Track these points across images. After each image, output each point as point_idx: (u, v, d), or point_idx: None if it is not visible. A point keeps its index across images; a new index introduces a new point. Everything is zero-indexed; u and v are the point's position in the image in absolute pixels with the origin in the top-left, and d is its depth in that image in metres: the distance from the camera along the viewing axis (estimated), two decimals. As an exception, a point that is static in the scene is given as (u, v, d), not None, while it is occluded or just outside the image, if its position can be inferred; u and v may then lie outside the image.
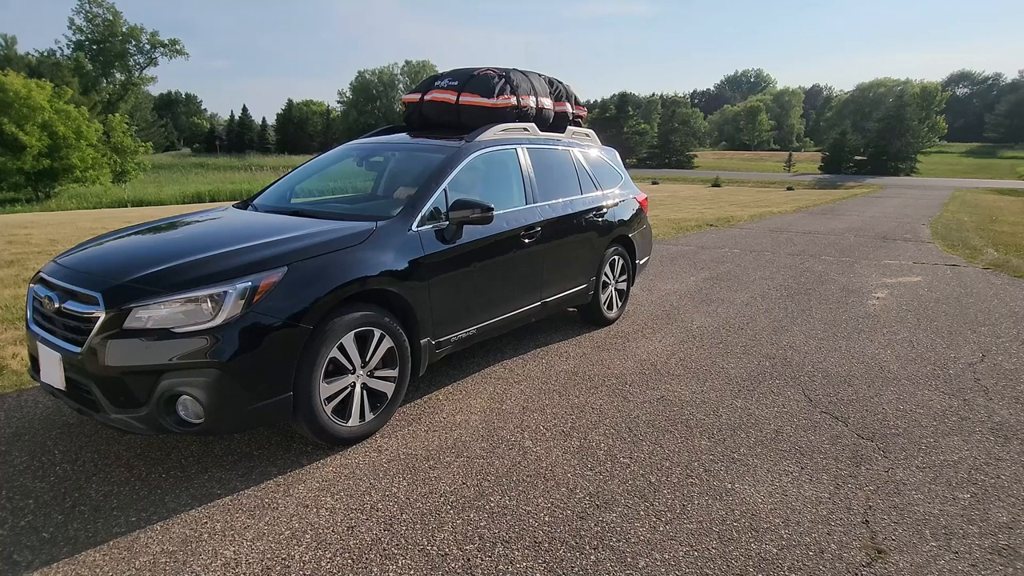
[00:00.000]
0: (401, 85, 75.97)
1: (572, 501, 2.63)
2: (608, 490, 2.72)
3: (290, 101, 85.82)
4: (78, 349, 2.60)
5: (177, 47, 59.37)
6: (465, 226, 3.53)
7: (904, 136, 50.91)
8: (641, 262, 5.69)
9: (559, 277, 4.48)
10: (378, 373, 3.13)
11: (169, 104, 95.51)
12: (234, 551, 2.27)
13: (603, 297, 5.12)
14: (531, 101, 4.55)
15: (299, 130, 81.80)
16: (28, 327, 2.96)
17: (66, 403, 2.79)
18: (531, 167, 4.33)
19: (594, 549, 2.32)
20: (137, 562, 2.20)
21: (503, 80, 4.39)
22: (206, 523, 2.43)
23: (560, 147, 4.81)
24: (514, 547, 2.33)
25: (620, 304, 5.42)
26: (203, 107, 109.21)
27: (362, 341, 3.01)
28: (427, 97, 4.54)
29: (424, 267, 3.29)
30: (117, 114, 35.93)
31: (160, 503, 2.56)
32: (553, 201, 4.43)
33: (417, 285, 3.25)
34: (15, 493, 2.62)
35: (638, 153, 61.76)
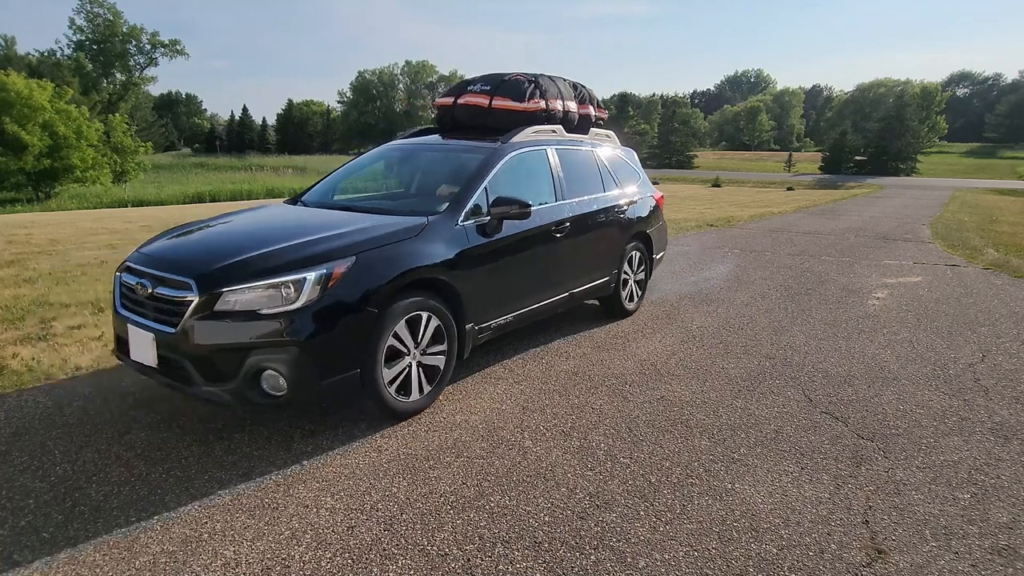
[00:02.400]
0: (401, 85, 75.91)
1: (572, 501, 2.63)
2: (608, 490, 2.72)
3: (290, 101, 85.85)
4: (172, 330, 2.87)
5: (177, 47, 59.46)
6: (504, 221, 3.82)
7: (904, 136, 50.85)
8: (657, 257, 5.96)
9: (585, 269, 4.78)
10: (429, 351, 3.43)
11: (169, 104, 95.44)
12: (234, 551, 2.27)
13: (624, 290, 5.38)
14: (558, 105, 4.82)
15: (299, 130, 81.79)
16: (116, 311, 3.23)
17: (155, 379, 3.09)
18: (560, 166, 4.61)
19: (594, 549, 2.32)
20: (137, 562, 2.20)
21: (533, 85, 4.65)
22: (206, 523, 2.43)
23: (584, 148, 5.08)
24: (514, 547, 2.33)
25: (639, 296, 5.66)
26: (203, 107, 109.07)
27: (415, 324, 3.31)
28: (460, 101, 4.77)
29: (468, 258, 3.58)
30: (117, 114, 35.94)
31: (160, 503, 2.56)
32: (580, 198, 4.71)
33: (463, 274, 3.53)
34: (15, 493, 2.62)
35: (638, 153, 61.72)
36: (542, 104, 4.64)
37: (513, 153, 4.19)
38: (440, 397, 3.69)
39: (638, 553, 2.30)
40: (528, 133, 4.46)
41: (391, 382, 3.22)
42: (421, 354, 3.37)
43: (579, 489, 2.73)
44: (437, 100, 5.14)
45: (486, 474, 2.84)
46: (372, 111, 74.42)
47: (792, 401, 3.75)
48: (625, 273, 5.35)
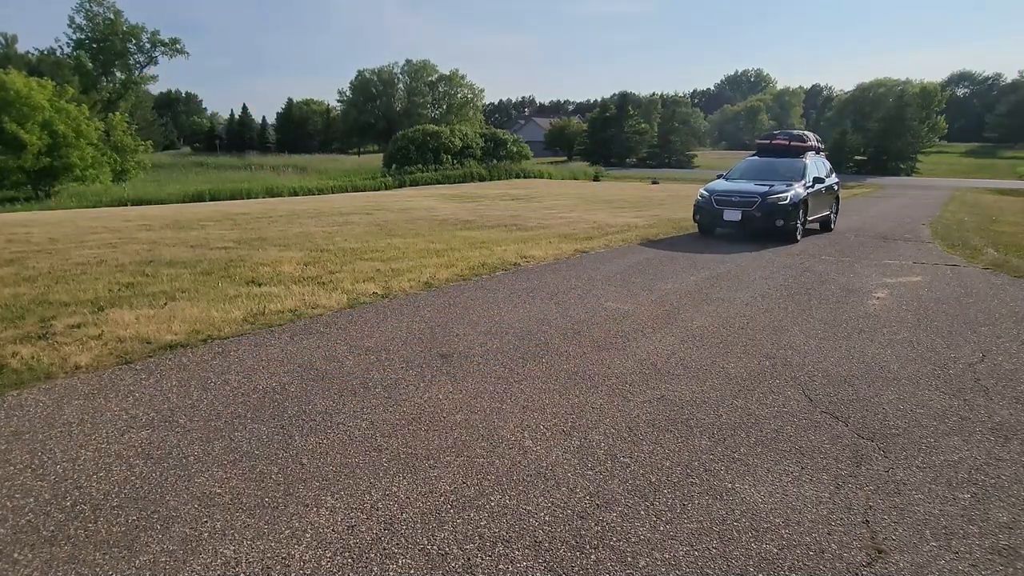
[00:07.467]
0: (401, 84, 75.73)
1: (572, 501, 2.63)
2: (608, 490, 2.72)
3: (290, 100, 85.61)
4: (749, 209, 10.64)
5: (177, 46, 59.20)
6: (816, 183, 11.45)
7: (904, 136, 50.74)
8: (839, 208, 13.15)
9: (823, 207, 11.96)
10: (801, 221, 10.84)
11: (169, 103, 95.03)
12: (234, 551, 2.27)
13: (831, 221, 12.48)
14: (812, 143, 12.51)
15: (299, 129, 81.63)
16: (713, 206, 10.96)
17: (732, 228, 11.01)
18: (817, 167, 12.02)
19: (594, 549, 2.32)
20: (137, 562, 2.20)
21: (805, 135, 12.67)
22: (206, 523, 2.43)
23: (820, 159, 12.55)
24: (514, 547, 2.33)
25: (834, 225, 12.51)
26: (203, 106, 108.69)
27: (801, 213, 10.78)
28: (774, 142, 12.64)
29: (808, 195, 11.00)
30: (117, 113, 35.85)
31: (160, 503, 2.56)
32: (824, 179, 11.83)
33: (807, 200, 10.95)
34: (15, 492, 2.62)
35: (638, 153, 61.39)
36: (809, 143, 12.39)
37: (808, 162, 11.71)
38: (440, 396, 3.71)
39: (638, 552, 2.31)
40: (808, 155, 12.02)
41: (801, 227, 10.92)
42: (800, 222, 10.69)
43: (579, 489, 2.73)
44: (758, 140, 13.28)
45: (486, 474, 2.84)
46: (372, 110, 74.05)
47: (792, 401, 3.75)
48: (831, 213, 12.42)
